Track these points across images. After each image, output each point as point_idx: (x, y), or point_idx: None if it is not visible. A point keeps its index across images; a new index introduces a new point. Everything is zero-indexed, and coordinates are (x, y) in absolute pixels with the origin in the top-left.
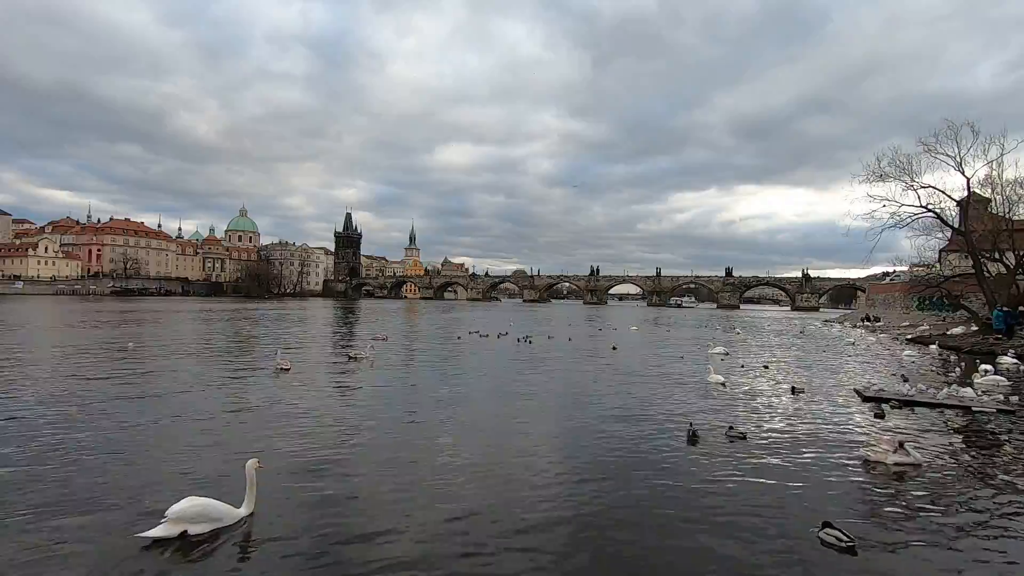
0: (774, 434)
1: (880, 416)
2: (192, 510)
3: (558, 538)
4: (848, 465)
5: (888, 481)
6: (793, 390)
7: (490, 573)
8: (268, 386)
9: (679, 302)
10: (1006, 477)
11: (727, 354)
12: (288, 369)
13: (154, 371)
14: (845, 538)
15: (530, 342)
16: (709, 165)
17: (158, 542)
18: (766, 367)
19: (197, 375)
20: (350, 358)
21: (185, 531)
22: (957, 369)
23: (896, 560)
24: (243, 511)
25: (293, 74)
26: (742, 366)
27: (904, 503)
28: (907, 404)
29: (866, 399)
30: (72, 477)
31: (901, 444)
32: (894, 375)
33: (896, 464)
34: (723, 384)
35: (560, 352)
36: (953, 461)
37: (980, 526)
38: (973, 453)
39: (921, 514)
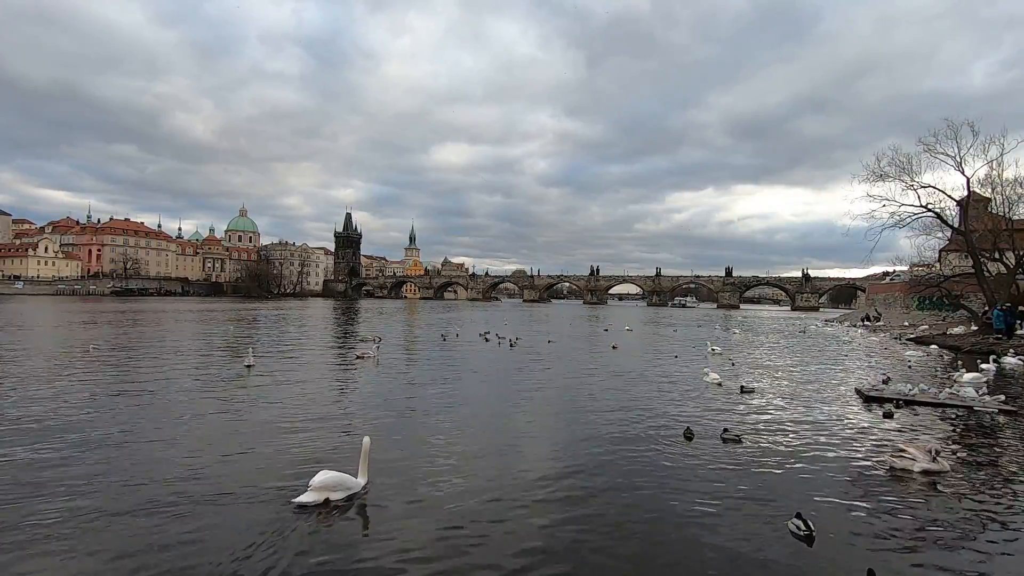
0: (770, 435)
1: (889, 416)
2: (332, 480)
3: (551, 534)
4: (849, 465)
5: (895, 485)
6: (742, 389)
7: (490, 566)
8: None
9: (683, 302)
10: (1005, 479)
11: (722, 353)
12: (252, 365)
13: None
14: (804, 528)
15: (512, 345)
16: (706, 165)
17: (305, 507)
18: (761, 366)
19: (160, 371)
20: (358, 357)
21: (327, 498)
22: (962, 370)
23: (853, 554)
24: (363, 480)
25: (287, 74)
26: (733, 364)
27: (896, 502)
28: (908, 404)
29: (868, 399)
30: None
31: (930, 451)
32: (884, 375)
33: (923, 472)
34: (720, 384)
35: (548, 354)
36: (954, 462)
37: (966, 530)
38: (974, 454)
39: (902, 513)
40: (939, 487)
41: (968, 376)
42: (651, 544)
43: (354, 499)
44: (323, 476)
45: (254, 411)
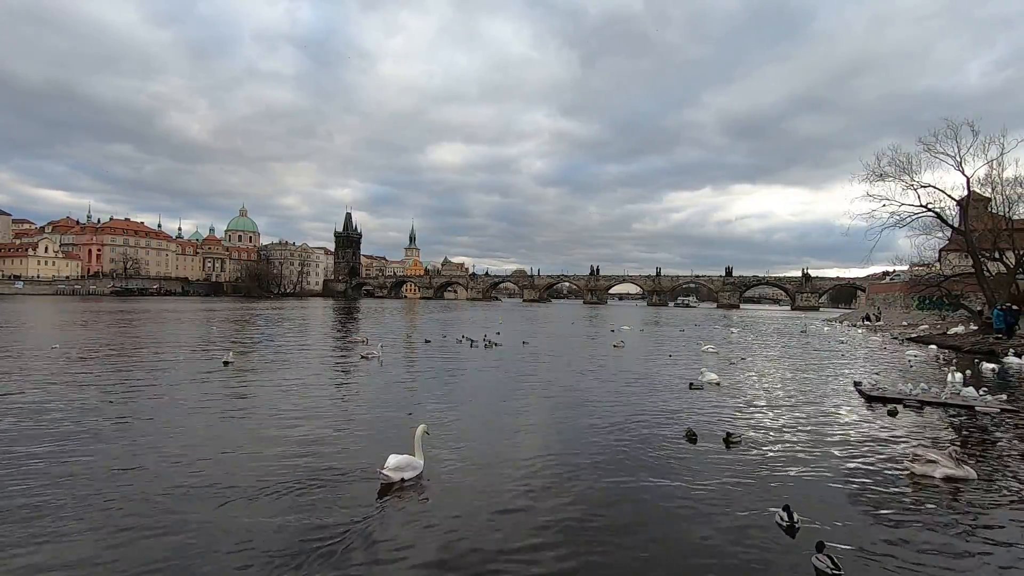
0: (774, 436)
1: (893, 414)
2: (404, 462)
3: (550, 537)
4: (854, 467)
5: (906, 488)
6: (691, 386)
7: (488, 565)
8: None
9: (686, 302)
10: (1007, 480)
11: (717, 353)
12: (231, 362)
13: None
14: (787, 519)
15: (488, 347)
16: (702, 164)
17: (386, 484)
18: (761, 366)
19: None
20: (362, 357)
21: (403, 478)
22: (967, 371)
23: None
24: (421, 461)
25: (282, 73)
26: (731, 363)
27: (901, 506)
28: (909, 404)
29: (869, 399)
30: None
31: (952, 456)
32: (875, 374)
33: (945, 478)
34: (717, 383)
35: (535, 355)
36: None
37: (980, 541)
38: (983, 457)
39: (909, 517)
40: (960, 494)
41: (958, 376)
42: (649, 541)
43: (419, 478)
44: (396, 459)
45: (269, 408)
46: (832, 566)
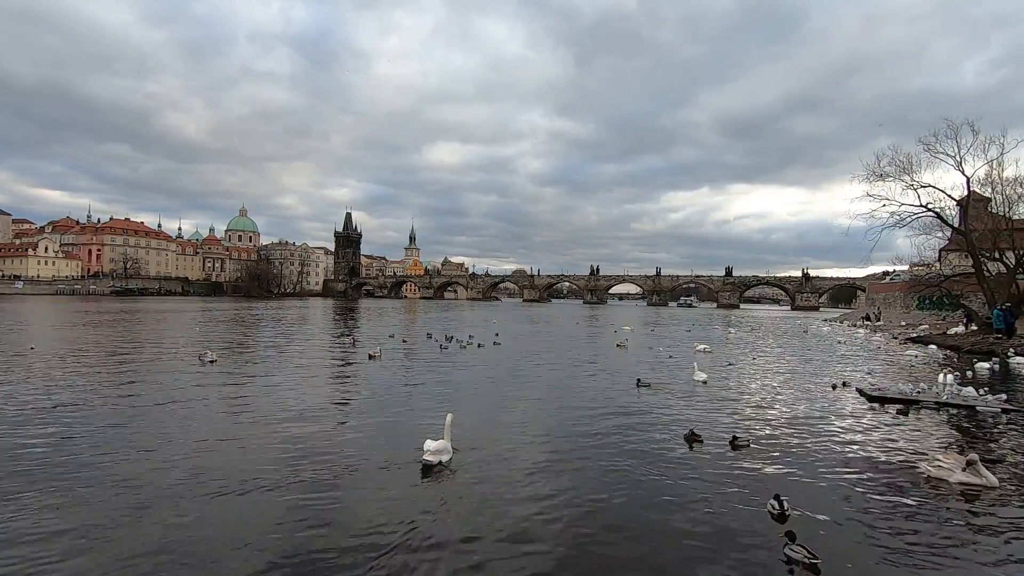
0: (779, 438)
1: (903, 413)
2: (440, 446)
3: (549, 535)
4: (859, 469)
5: (914, 492)
6: (639, 383)
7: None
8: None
9: (688, 302)
10: (1014, 482)
11: (712, 352)
12: (215, 361)
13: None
14: (779, 507)
15: (464, 346)
16: (699, 164)
17: (427, 466)
18: (761, 366)
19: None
20: (369, 356)
21: (440, 460)
22: (967, 371)
23: (821, 539)
24: (450, 446)
25: (277, 73)
26: (729, 364)
27: (907, 510)
28: (910, 404)
29: (871, 399)
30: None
31: (971, 463)
32: (868, 373)
33: (961, 484)
34: (704, 382)
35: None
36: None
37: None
38: (981, 456)
39: (896, 515)
40: (972, 498)
41: (950, 377)
42: (653, 540)
43: (450, 461)
44: (434, 444)
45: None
46: (808, 555)
